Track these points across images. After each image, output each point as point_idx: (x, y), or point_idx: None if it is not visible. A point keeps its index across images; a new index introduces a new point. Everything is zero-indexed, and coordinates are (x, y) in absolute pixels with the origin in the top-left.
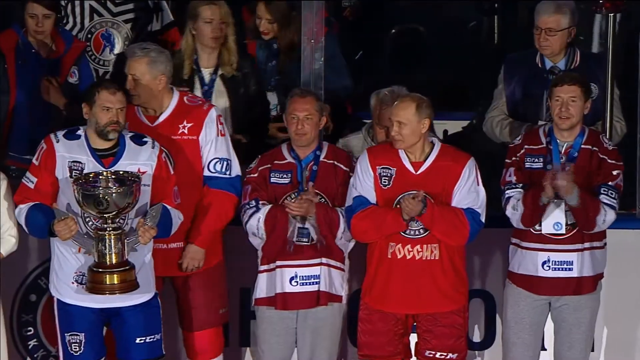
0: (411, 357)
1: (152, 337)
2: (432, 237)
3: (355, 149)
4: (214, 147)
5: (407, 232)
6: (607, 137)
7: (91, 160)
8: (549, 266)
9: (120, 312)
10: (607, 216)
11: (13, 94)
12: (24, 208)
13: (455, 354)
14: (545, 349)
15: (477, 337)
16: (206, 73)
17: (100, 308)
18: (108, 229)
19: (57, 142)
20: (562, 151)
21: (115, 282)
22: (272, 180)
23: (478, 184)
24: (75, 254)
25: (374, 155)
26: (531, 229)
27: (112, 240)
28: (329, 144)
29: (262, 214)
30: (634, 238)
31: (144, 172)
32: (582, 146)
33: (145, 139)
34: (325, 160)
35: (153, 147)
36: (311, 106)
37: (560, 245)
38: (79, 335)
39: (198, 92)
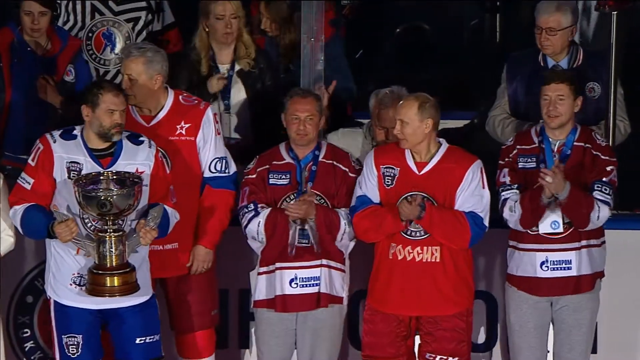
0: (414, 359)
1: (152, 337)
2: (433, 239)
3: (354, 148)
4: (214, 147)
5: (409, 233)
6: (610, 135)
7: (89, 161)
8: (548, 266)
9: (119, 313)
10: (601, 212)
11: (8, 92)
12: (19, 209)
13: (456, 358)
14: (549, 351)
15: (479, 339)
16: (223, 69)
17: (98, 309)
18: (109, 231)
19: (54, 142)
20: (555, 149)
21: (116, 284)
22: (270, 182)
23: (483, 187)
24: (73, 255)
25: (379, 155)
26: (528, 230)
27: (113, 242)
28: (328, 144)
29: (261, 218)
30: (637, 239)
31: (142, 172)
32: (575, 143)
33: (141, 139)
34: (324, 160)
35: (150, 147)
36: (312, 106)
37: (558, 245)
38: (76, 337)
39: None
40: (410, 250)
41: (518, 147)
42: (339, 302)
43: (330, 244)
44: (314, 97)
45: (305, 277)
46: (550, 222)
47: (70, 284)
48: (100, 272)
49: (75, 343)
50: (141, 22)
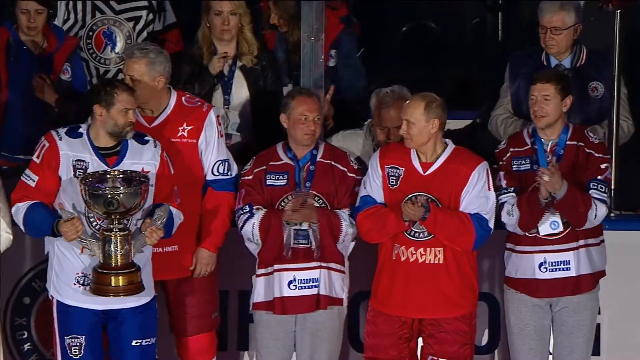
0: None
1: (148, 340)
2: (437, 240)
3: (354, 148)
4: (216, 150)
5: (412, 234)
6: (614, 135)
7: (95, 159)
8: (546, 267)
9: (120, 314)
10: (599, 211)
11: (4, 92)
12: (22, 206)
13: None
14: (551, 353)
15: (482, 341)
16: (225, 64)
17: (101, 310)
18: (114, 230)
19: (60, 139)
20: (548, 150)
21: (121, 284)
22: (268, 183)
23: (489, 189)
24: (77, 255)
25: (384, 155)
26: (526, 233)
27: (119, 241)
28: (326, 143)
29: (256, 220)
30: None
31: (147, 172)
32: (567, 143)
33: (146, 138)
34: (322, 160)
35: (155, 146)
36: (319, 106)
37: (555, 246)
38: (79, 338)
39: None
40: (414, 252)
41: (511, 149)
42: (338, 303)
43: (331, 246)
44: (317, 97)
45: (304, 279)
46: (550, 223)
47: (74, 284)
48: (105, 271)
49: (78, 344)
50: (142, 22)
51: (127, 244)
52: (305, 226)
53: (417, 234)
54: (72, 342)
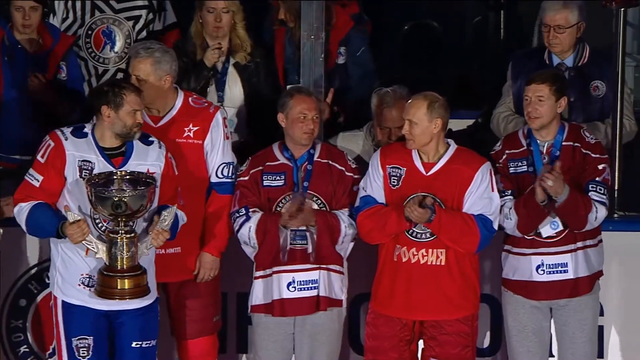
0: None
1: (149, 342)
2: (439, 241)
3: (355, 148)
4: (222, 152)
5: (414, 234)
6: (617, 134)
7: (101, 160)
8: (544, 270)
9: (121, 315)
10: (599, 213)
11: (0, 91)
12: (25, 206)
13: None
14: (553, 355)
15: (483, 343)
16: (218, 61)
17: (106, 310)
18: (120, 232)
19: (66, 139)
20: (544, 151)
21: (126, 286)
22: (265, 184)
23: (492, 190)
24: (82, 256)
25: (385, 155)
26: (525, 235)
27: (125, 244)
28: (322, 143)
29: (252, 223)
30: None
31: (152, 173)
32: (563, 143)
33: (151, 139)
34: (319, 159)
35: (160, 147)
36: (317, 105)
37: (553, 248)
38: (87, 339)
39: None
40: (415, 253)
41: (507, 151)
42: (338, 305)
43: (330, 247)
44: (315, 95)
45: (303, 281)
46: (550, 224)
47: (79, 285)
48: (111, 274)
49: (87, 345)
50: (142, 21)
51: (133, 246)
52: (307, 232)
53: (419, 235)
54: (80, 343)
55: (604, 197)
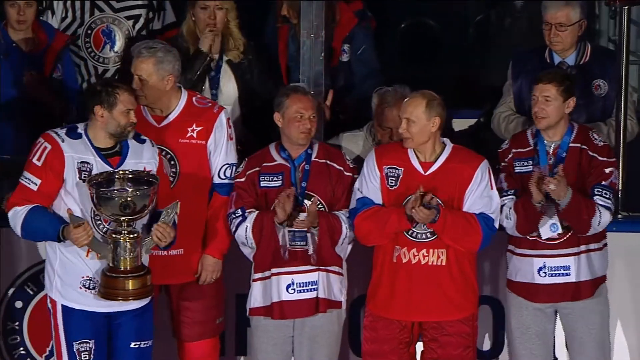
0: None
1: (146, 342)
2: (439, 241)
3: (355, 149)
4: (225, 153)
5: (414, 235)
6: (622, 134)
7: (99, 161)
8: (545, 272)
9: (121, 316)
10: (603, 217)
11: None
12: (21, 210)
13: None
14: (557, 359)
15: (485, 346)
16: (214, 43)
17: (106, 313)
18: (123, 233)
19: (63, 141)
20: (551, 152)
21: (130, 287)
22: (262, 184)
23: (492, 188)
24: (82, 258)
25: (381, 155)
26: (527, 236)
27: (128, 244)
28: (320, 142)
29: (249, 223)
30: None
31: (149, 171)
32: (571, 145)
33: (142, 137)
34: (317, 159)
35: (153, 145)
36: (314, 104)
37: (556, 250)
38: (89, 342)
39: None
40: (416, 253)
41: (514, 150)
42: (337, 307)
43: (330, 249)
44: (312, 95)
45: (302, 282)
46: (550, 226)
47: (80, 287)
48: (114, 275)
49: (88, 349)
50: (142, 20)
51: (136, 247)
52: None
53: (418, 235)
54: (81, 347)
55: (609, 201)
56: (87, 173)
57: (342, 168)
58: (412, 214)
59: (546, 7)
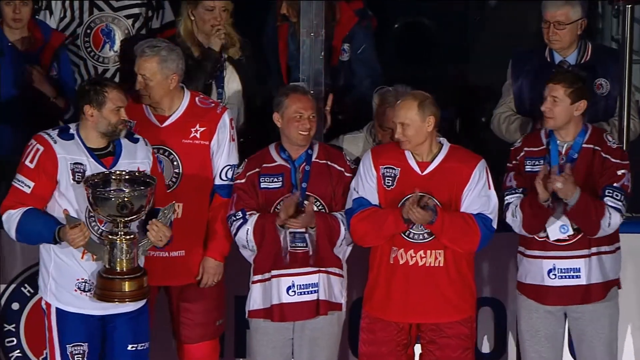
0: None
1: (143, 345)
2: (437, 242)
3: (355, 151)
4: (227, 154)
5: (411, 236)
6: (625, 133)
7: (92, 162)
8: (555, 274)
9: (115, 319)
10: (612, 219)
11: None
12: (15, 213)
13: None
14: None
15: (486, 348)
16: (224, 40)
17: (101, 315)
18: (120, 234)
19: (55, 143)
20: (563, 152)
21: (127, 289)
22: (262, 186)
23: (489, 188)
24: (77, 260)
25: (377, 155)
26: (535, 237)
27: (125, 245)
28: (320, 143)
29: (249, 226)
30: None
31: (143, 171)
32: (584, 145)
33: (135, 136)
34: (317, 160)
35: (146, 145)
36: (314, 104)
37: (566, 252)
38: (82, 345)
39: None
40: (413, 254)
41: (526, 149)
42: (337, 308)
43: (329, 250)
44: (311, 94)
45: (303, 284)
46: (560, 227)
47: (75, 290)
48: (110, 276)
49: (82, 352)
50: (141, 19)
51: (133, 248)
52: (306, 234)
53: (416, 236)
54: (75, 350)
55: (620, 203)
56: (80, 174)
57: (342, 169)
58: (408, 217)
59: (546, 5)
